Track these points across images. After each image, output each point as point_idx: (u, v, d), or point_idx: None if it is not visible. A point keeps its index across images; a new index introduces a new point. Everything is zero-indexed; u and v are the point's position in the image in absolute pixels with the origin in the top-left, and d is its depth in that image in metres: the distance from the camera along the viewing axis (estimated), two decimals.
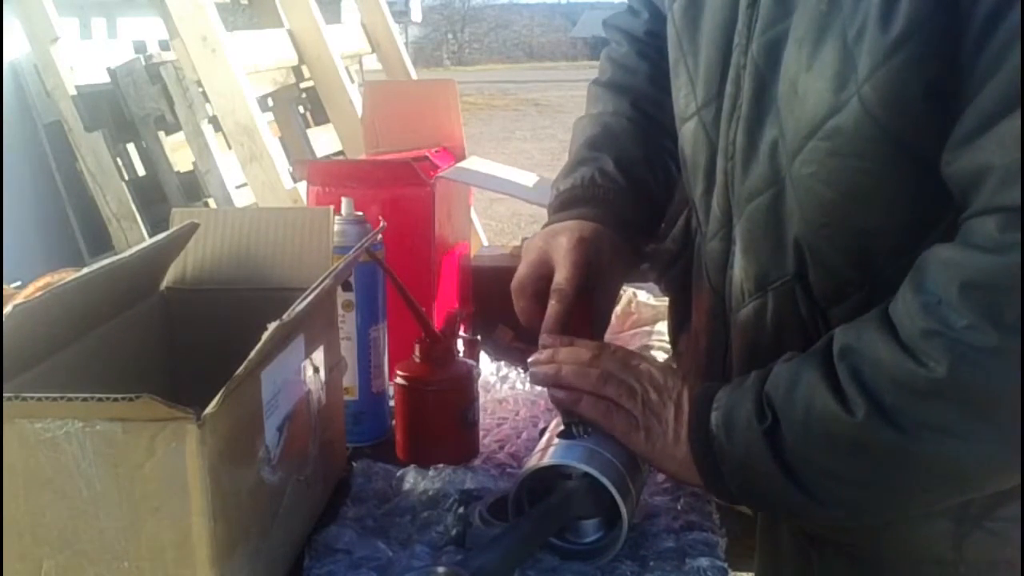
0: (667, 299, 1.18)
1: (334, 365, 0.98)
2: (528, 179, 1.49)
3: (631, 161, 1.05)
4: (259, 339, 0.70)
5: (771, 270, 0.86)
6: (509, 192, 1.40)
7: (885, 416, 0.73)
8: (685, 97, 0.93)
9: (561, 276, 0.95)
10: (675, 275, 1.10)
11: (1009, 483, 0.78)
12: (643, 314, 1.38)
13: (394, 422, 1.09)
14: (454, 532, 0.88)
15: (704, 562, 0.84)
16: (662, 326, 1.33)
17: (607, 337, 1.07)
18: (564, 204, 1.03)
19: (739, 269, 0.90)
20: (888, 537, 0.87)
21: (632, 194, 1.03)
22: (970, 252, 0.71)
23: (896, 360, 0.73)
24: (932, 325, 0.71)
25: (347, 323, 1.08)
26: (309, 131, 3.34)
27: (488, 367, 1.27)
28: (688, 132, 0.93)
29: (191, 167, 2.86)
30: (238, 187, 2.79)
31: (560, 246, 0.97)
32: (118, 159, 2.87)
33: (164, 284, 1.03)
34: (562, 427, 0.89)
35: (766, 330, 0.88)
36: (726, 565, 0.85)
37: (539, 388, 1.26)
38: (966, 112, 0.71)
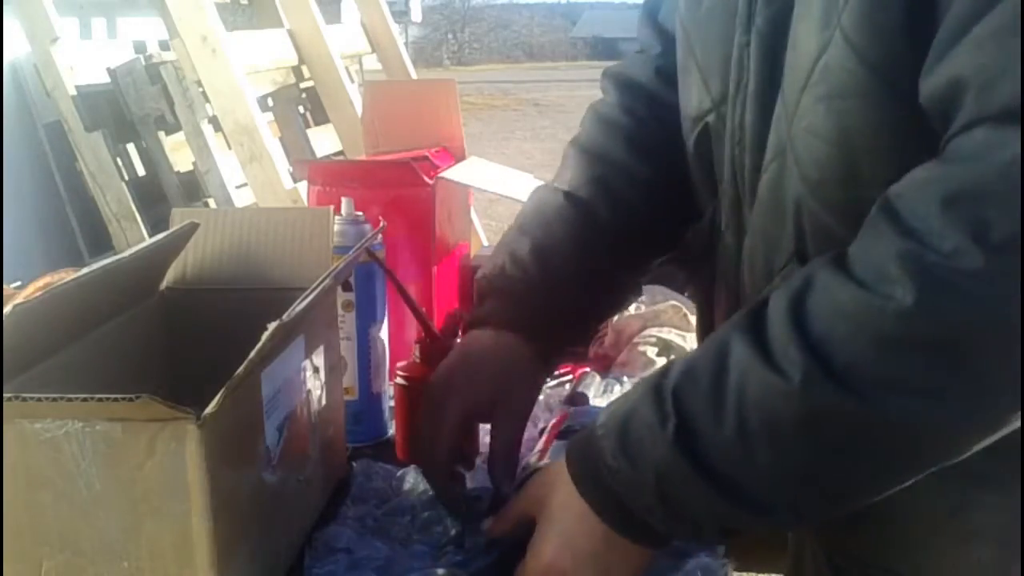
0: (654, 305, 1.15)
1: (334, 365, 0.98)
2: (528, 180, 1.48)
3: (552, 249, 0.94)
4: (259, 339, 0.70)
5: (775, 254, 0.81)
6: (509, 194, 1.40)
7: (831, 376, 0.61)
8: (698, 95, 0.89)
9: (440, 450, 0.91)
10: (700, 283, 1.03)
11: (987, 441, 0.66)
12: (632, 327, 1.36)
13: (394, 422, 1.09)
14: (453, 532, 0.88)
15: (704, 561, 0.84)
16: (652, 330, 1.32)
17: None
18: (479, 295, 0.97)
19: (747, 262, 0.86)
20: (931, 564, 0.79)
21: (543, 286, 0.93)
22: (951, 166, 0.61)
23: (850, 298, 0.62)
24: (905, 247, 0.60)
25: (347, 323, 1.08)
26: (309, 131, 3.34)
27: None
28: (704, 129, 0.89)
29: (191, 167, 2.86)
30: (238, 187, 2.79)
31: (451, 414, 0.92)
32: (118, 159, 2.87)
33: (164, 284, 1.03)
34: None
35: None
36: (726, 565, 0.84)
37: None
38: (940, 28, 0.64)
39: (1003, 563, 0.76)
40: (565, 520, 0.76)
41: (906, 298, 0.59)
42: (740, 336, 0.67)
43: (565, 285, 0.93)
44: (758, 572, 1.12)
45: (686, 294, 1.17)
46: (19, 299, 0.81)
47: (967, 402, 0.61)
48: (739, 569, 0.90)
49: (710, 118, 0.88)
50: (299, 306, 0.76)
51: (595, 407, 1.03)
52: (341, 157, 3.14)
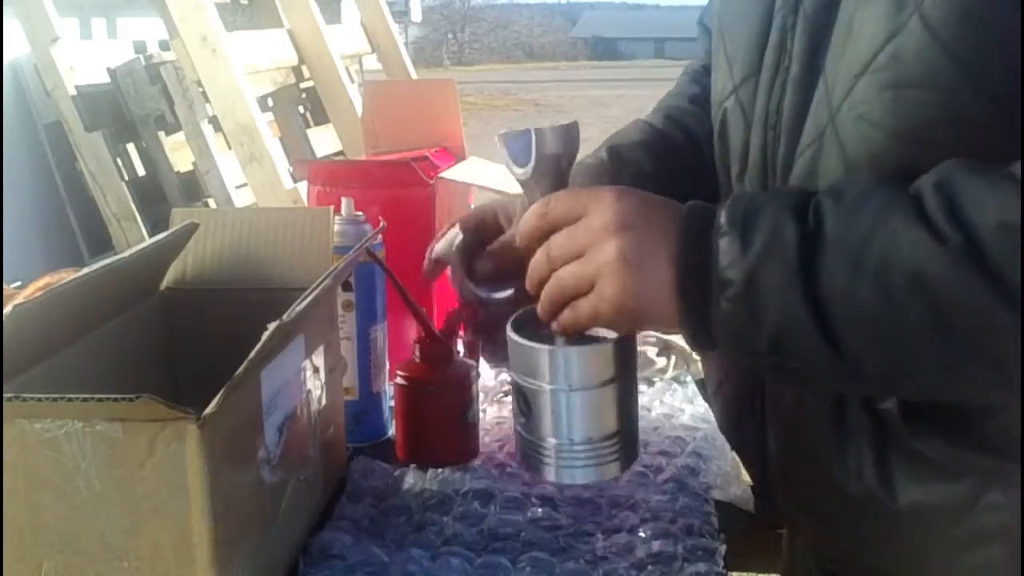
0: None
1: (334, 365, 0.98)
2: None
3: (626, 147, 0.97)
4: (259, 339, 0.70)
5: None
6: (509, 194, 1.40)
7: (980, 258, 0.60)
8: (722, 79, 0.87)
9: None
10: None
11: None
12: None
13: (394, 422, 1.09)
14: (450, 533, 0.88)
15: (702, 567, 0.84)
16: None
17: None
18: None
19: None
20: (936, 567, 0.77)
21: (613, 168, 0.95)
22: None
23: (1010, 201, 0.60)
24: None
25: (347, 323, 1.08)
26: (309, 131, 3.34)
27: (488, 369, 1.27)
28: (724, 114, 0.88)
29: (191, 167, 2.86)
30: (238, 187, 2.79)
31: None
32: (118, 159, 2.87)
33: (164, 284, 1.03)
34: None
35: None
36: (725, 571, 0.84)
37: None
38: None
39: (1010, 563, 0.74)
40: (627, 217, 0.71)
41: None
42: (890, 186, 0.65)
43: (629, 171, 0.94)
44: (756, 573, 1.12)
45: None
46: (19, 299, 0.81)
47: None
48: (736, 569, 0.90)
49: (728, 102, 0.86)
50: (299, 306, 0.76)
51: None
52: (341, 157, 3.14)
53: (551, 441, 0.75)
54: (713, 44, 0.91)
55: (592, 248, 0.71)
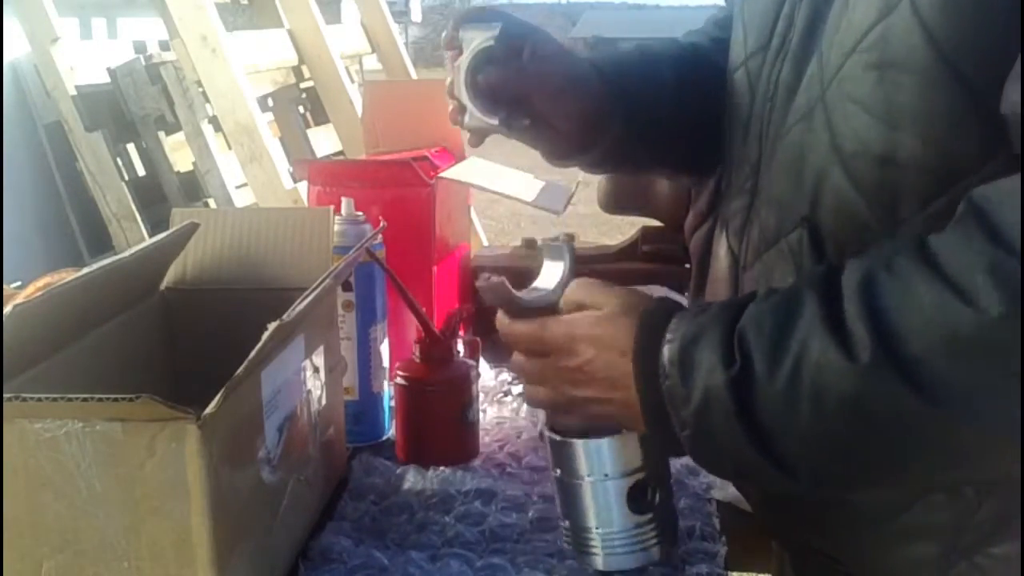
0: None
1: (334, 365, 0.98)
2: (528, 180, 1.48)
3: (620, 61, 0.95)
4: (259, 339, 0.70)
5: (785, 219, 0.78)
6: (509, 194, 1.40)
7: (898, 366, 0.61)
8: (736, 48, 0.88)
9: None
10: (698, 240, 1.00)
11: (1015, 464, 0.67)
12: None
13: (394, 422, 1.09)
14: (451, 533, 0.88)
15: (703, 569, 0.84)
16: None
17: None
18: None
19: (757, 226, 0.83)
20: (873, 556, 0.80)
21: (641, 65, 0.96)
22: None
23: (931, 294, 0.60)
24: (996, 257, 0.59)
25: (347, 323, 1.08)
26: (309, 131, 3.34)
27: (488, 369, 1.27)
28: (733, 84, 0.88)
29: (191, 167, 2.86)
30: (238, 187, 2.78)
31: None
32: (118, 159, 2.87)
33: (164, 284, 1.03)
34: None
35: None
36: (725, 573, 0.84)
37: None
38: None
39: (944, 561, 0.76)
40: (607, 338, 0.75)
41: (992, 309, 0.58)
42: (812, 297, 0.66)
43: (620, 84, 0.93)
44: (755, 573, 1.12)
45: (685, 294, 1.17)
46: (19, 299, 0.80)
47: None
48: (735, 569, 0.91)
49: (738, 72, 0.87)
50: (299, 306, 0.76)
51: None
52: (341, 157, 3.14)
53: (593, 530, 0.81)
54: (735, 10, 0.91)
55: (553, 355, 0.77)
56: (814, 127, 0.75)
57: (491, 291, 0.78)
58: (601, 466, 0.79)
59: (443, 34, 0.88)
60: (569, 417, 0.79)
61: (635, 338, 0.73)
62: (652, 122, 0.95)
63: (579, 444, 0.79)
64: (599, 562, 0.81)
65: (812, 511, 0.81)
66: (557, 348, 0.76)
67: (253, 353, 0.69)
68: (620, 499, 0.79)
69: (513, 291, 0.78)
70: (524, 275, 0.82)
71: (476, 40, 0.85)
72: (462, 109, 0.86)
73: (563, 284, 0.79)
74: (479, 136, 0.89)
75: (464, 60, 0.85)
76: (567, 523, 0.82)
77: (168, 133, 2.89)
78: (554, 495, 0.84)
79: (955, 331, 0.60)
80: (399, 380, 1.05)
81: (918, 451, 0.65)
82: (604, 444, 0.79)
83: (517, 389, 1.25)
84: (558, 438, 0.81)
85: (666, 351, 0.71)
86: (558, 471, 0.82)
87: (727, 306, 0.71)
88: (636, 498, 0.80)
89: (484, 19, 0.86)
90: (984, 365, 0.60)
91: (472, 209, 1.65)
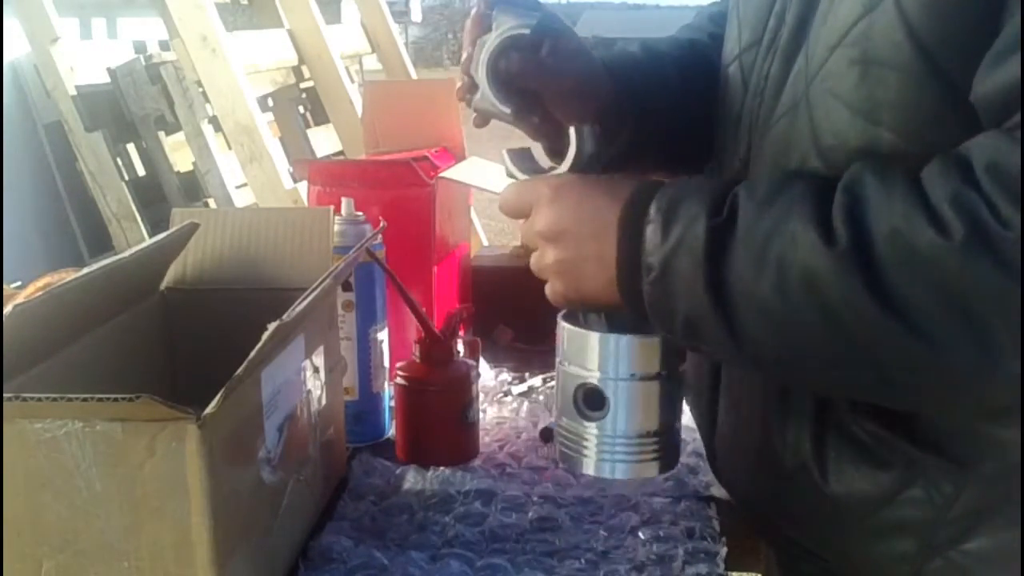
0: None
1: (334, 365, 0.98)
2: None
3: (622, 52, 0.96)
4: (259, 339, 0.70)
5: None
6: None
7: (865, 264, 0.63)
8: (730, 43, 0.89)
9: None
10: None
11: (945, 402, 0.70)
12: None
13: (394, 422, 1.09)
14: (451, 534, 0.88)
15: (703, 569, 0.84)
16: None
17: None
18: None
19: None
20: (854, 551, 0.81)
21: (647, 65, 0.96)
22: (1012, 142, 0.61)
23: (908, 211, 0.62)
24: (966, 193, 0.60)
25: (347, 323, 1.08)
26: (309, 131, 3.34)
27: (488, 369, 1.27)
28: (726, 78, 0.89)
29: (191, 167, 2.86)
30: (238, 187, 2.79)
31: None
32: (118, 159, 2.87)
33: (164, 284, 1.03)
34: None
35: None
36: (725, 573, 0.84)
37: (539, 388, 1.26)
38: (1007, 24, 0.63)
39: (921, 557, 0.77)
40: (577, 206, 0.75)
41: (954, 235, 0.60)
42: (808, 181, 0.68)
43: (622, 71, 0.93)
44: (754, 573, 1.12)
45: None
46: (19, 299, 0.80)
47: (963, 353, 0.62)
48: (734, 568, 0.91)
49: (732, 67, 0.87)
50: (299, 306, 0.76)
51: None
52: (341, 157, 3.14)
53: (593, 432, 0.76)
54: (730, 6, 0.91)
55: (537, 250, 0.77)
56: (797, 121, 0.76)
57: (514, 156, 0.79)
58: (616, 364, 0.76)
59: (474, 8, 0.86)
60: (567, 296, 0.77)
61: (632, 189, 0.73)
62: (659, 125, 0.95)
63: (595, 337, 0.76)
64: (590, 466, 0.77)
65: (795, 507, 0.82)
66: (549, 196, 0.76)
67: (253, 353, 0.69)
68: (628, 404, 0.76)
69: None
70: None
71: (508, 24, 0.81)
72: (473, 87, 0.85)
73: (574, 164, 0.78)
74: (484, 119, 0.88)
75: (491, 41, 0.82)
76: (564, 421, 0.78)
77: (168, 133, 2.89)
78: (555, 393, 0.80)
79: (914, 247, 0.61)
80: (399, 380, 1.05)
81: (856, 351, 0.66)
82: (624, 342, 0.75)
83: (517, 389, 1.25)
84: (571, 328, 0.77)
85: (656, 202, 0.71)
86: (565, 363, 0.78)
87: (732, 179, 0.72)
88: (644, 407, 0.76)
89: (520, 3, 0.84)
90: (933, 289, 0.61)
91: (472, 209, 1.65)
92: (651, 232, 0.70)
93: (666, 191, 0.72)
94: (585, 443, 0.77)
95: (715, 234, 0.68)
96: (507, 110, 0.84)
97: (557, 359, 0.79)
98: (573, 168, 0.79)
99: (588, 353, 0.76)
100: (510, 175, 0.82)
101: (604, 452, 0.77)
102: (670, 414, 0.78)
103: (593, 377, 0.76)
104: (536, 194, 0.77)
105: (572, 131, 0.80)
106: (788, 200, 0.67)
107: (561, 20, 0.86)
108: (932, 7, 0.66)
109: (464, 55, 0.86)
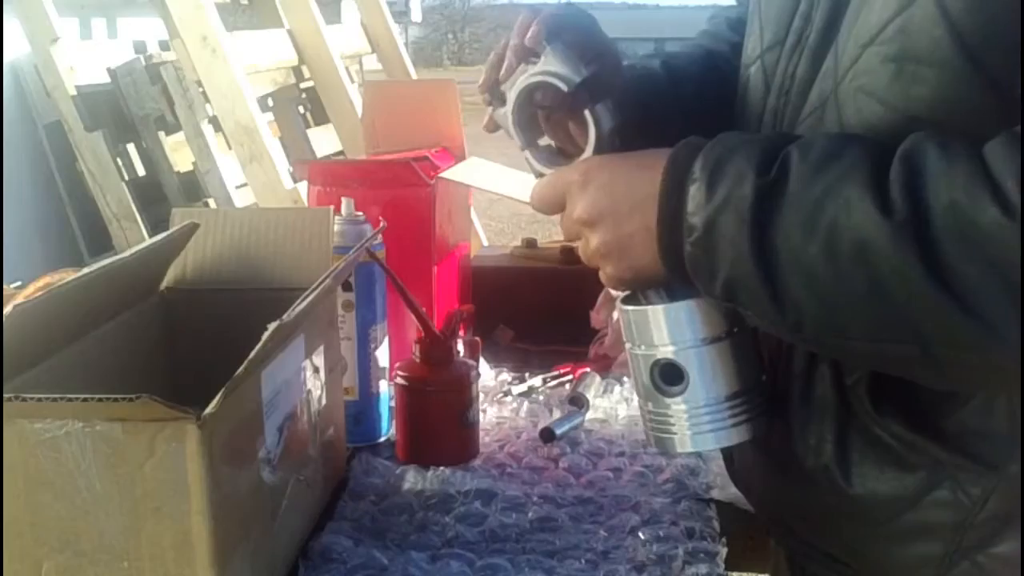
0: None
1: (334, 365, 0.98)
2: (528, 181, 1.48)
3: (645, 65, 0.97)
4: (259, 339, 0.70)
5: None
6: (509, 194, 1.40)
7: (922, 236, 0.61)
8: (752, 43, 0.88)
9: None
10: None
11: (984, 384, 0.69)
12: None
13: (394, 422, 1.09)
14: (451, 534, 0.88)
15: (703, 569, 0.84)
16: None
17: None
18: None
19: None
20: (875, 555, 0.80)
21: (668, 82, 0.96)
22: None
23: (970, 185, 0.60)
24: None
25: (347, 323, 1.08)
26: (309, 131, 3.34)
27: (488, 369, 1.27)
28: (747, 78, 0.88)
29: (191, 167, 2.87)
30: (238, 187, 2.79)
31: None
32: (118, 159, 2.87)
33: (164, 284, 1.03)
34: None
35: None
36: (725, 573, 0.84)
37: (539, 388, 1.26)
38: None
39: (947, 560, 0.76)
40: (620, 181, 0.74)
41: (1015, 215, 0.59)
42: (865, 145, 0.66)
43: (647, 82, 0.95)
44: (753, 573, 1.12)
45: None
46: (19, 299, 0.80)
47: (1014, 335, 0.61)
48: (733, 568, 0.91)
49: (754, 67, 0.87)
50: (299, 306, 0.76)
51: None
52: (341, 157, 3.14)
53: (679, 408, 0.75)
54: (751, 6, 0.91)
55: (581, 240, 0.76)
56: (825, 119, 0.75)
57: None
58: (683, 332, 0.74)
59: (520, 18, 0.85)
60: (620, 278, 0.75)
61: (673, 149, 0.71)
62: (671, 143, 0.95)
63: (660, 309, 0.74)
64: (687, 443, 0.76)
65: (815, 509, 0.81)
66: (579, 182, 0.75)
67: (253, 353, 0.69)
68: (707, 367, 0.74)
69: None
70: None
71: (554, 68, 0.80)
72: (500, 96, 0.84)
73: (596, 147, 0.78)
74: (496, 126, 0.87)
75: (535, 73, 0.81)
76: (648, 406, 0.76)
77: (168, 133, 2.89)
78: (633, 382, 0.78)
79: (975, 222, 0.60)
80: (399, 380, 1.05)
81: (902, 324, 0.64)
82: (684, 307, 0.73)
83: (517, 389, 1.25)
84: (630, 308, 0.75)
85: (701, 158, 0.69)
86: (635, 347, 0.76)
87: (781, 133, 0.70)
88: (723, 368, 0.74)
89: (580, 45, 0.83)
90: (990, 267, 0.60)
91: (472, 209, 1.65)
92: (695, 190, 0.68)
93: (713, 148, 0.70)
94: (672, 421, 0.75)
95: (763, 193, 0.65)
96: (520, 143, 0.84)
97: (627, 347, 0.77)
98: (597, 150, 0.79)
99: (653, 329, 0.75)
100: (538, 174, 0.82)
101: (693, 425, 0.75)
102: (750, 371, 0.76)
103: (665, 351, 0.74)
104: (566, 183, 0.76)
105: (588, 114, 0.79)
106: (844, 165, 0.65)
107: (612, 62, 0.86)
108: (973, 1, 0.65)
109: (506, 63, 0.85)
